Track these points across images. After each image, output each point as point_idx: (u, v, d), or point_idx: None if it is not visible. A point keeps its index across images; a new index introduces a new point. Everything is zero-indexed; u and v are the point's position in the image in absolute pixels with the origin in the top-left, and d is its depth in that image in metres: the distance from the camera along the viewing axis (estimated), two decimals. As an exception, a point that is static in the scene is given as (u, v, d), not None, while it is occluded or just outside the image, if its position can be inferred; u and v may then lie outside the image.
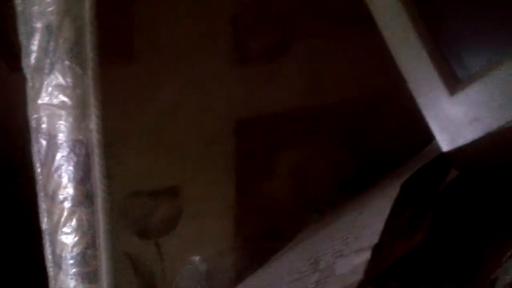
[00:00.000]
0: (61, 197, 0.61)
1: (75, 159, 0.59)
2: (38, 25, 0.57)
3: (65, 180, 0.60)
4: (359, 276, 0.37)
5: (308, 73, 0.65)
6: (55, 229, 0.62)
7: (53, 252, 0.63)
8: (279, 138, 0.66)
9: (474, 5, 0.46)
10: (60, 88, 0.58)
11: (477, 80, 0.45)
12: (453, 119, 0.47)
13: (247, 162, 0.65)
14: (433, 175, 0.46)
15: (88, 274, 0.62)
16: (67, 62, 0.56)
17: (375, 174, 0.63)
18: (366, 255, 0.38)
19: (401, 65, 0.49)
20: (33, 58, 0.59)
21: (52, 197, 0.62)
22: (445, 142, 0.48)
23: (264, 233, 0.67)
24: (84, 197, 0.60)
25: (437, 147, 0.48)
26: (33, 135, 0.62)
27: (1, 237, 0.94)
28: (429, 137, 0.56)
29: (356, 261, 0.38)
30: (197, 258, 0.63)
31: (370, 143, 0.69)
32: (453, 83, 0.47)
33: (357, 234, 0.42)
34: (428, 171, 0.46)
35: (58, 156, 0.60)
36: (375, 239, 0.38)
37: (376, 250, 0.38)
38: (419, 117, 0.52)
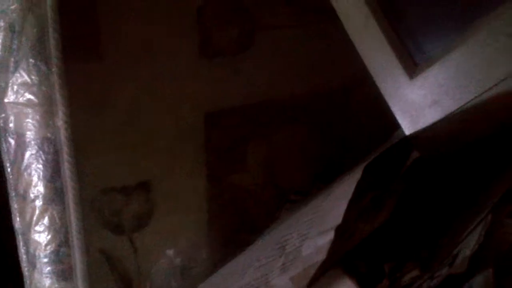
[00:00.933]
0: (32, 195, 0.61)
1: (44, 157, 0.59)
2: (1, 24, 0.57)
3: (35, 178, 0.60)
4: (322, 256, 0.37)
5: (276, 65, 0.66)
6: (28, 228, 0.62)
7: (27, 251, 0.63)
8: (250, 130, 0.67)
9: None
10: (26, 86, 0.58)
11: (435, 64, 0.46)
12: (413, 103, 0.48)
13: (218, 155, 0.66)
14: (396, 158, 0.47)
15: (63, 272, 0.62)
16: (31, 60, 0.57)
17: (348, 164, 0.64)
18: (330, 236, 0.38)
19: (362, 52, 0.50)
20: (-3, 56, 0.59)
21: (23, 196, 0.62)
22: (406, 126, 0.49)
23: (238, 225, 0.67)
24: (55, 195, 0.60)
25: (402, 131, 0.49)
26: (1, 135, 0.62)
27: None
28: (394, 124, 0.57)
29: (320, 242, 0.39)
30: (171, 251, 0.63)
31: (342, 133, 0.70)
32: (412, 67, 0.48)
33: (321, 217, 0.43)
34: (392, 154, 0.47)
35: (27, 154, 0.60)
36: (338, 220, 0.39)
37: (340, 231, 0.39)
38: (384, 107, 0.53)
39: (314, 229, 0.42)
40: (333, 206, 0.43)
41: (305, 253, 0.40)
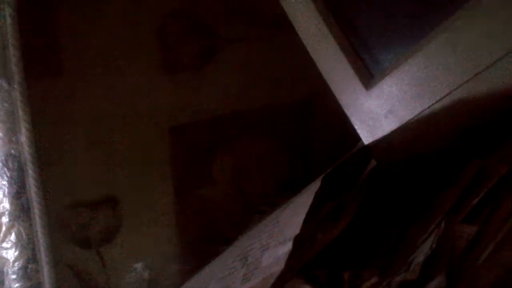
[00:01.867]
0: (-3, 212, 0.61)
1: (8, 173, 0.59)
2: (-37, 42, 0.57)
3: (0, 195, 0.60)
4: (280, 266, 0.38)
5: (239, 78, 0.67)
6: (-5, 245, 0.62)
7: (-6, 269, 0.63)
8: (215, 142, 0.67)
9: (383, 3, 0.48)
10: (-11, 103, 0.58)
11: (389, 74, 0.47)
12: (370, 113, 0.49)
13: (184, 168, 0.66)
14: (355, 168, 0.47)
15: (32, 288, 0.62)
16: (-7, 77, 0.57)
17: (315, 174, 0.65)
18: (288, 246, 0.39)
19: (319, 64, 0.51)
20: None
21: (-11, 214, 0.61)
22: (365, 135, 0.50)
23: (207, 237, 0.67)
24: (21, 211, 0.60)
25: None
26: (-34, 153, 0.62)
27: None
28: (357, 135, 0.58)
29: (279, 252, 0.40)
30: (139, 265, 0.63)
31: (307, 143, 0.70)
32: (368, 78, 0.49)
33: (281, 228, 0.44)
34: (350, 164, 0.48)
35: (-8, 171, 0.60)
36: (296, 231, 0.40)
37: (298, 241, 0.40)
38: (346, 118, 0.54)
39: (273, 240, 0.43)
40: (292, 216, 0.43)
41: (265, 264, 0.41)
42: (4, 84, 0.57)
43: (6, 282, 0.62)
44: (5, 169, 0.59)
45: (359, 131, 0.50)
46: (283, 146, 0.70)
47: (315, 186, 0.43)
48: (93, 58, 0.60)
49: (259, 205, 0.69)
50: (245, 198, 0.70)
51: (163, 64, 0.63)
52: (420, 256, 0.38)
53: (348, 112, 0.50)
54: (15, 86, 0.57)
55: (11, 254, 0.61)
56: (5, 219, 0.61)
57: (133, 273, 0.63)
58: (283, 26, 0.60)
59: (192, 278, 0.56)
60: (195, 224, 0.67)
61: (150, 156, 0.64)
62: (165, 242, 0.65)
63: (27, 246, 0.61)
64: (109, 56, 0.60)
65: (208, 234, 0.68)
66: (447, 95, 0.45)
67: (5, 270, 0.62)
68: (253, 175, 0.69)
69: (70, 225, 0.62)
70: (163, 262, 0.65)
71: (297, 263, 0.41)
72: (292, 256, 0.39)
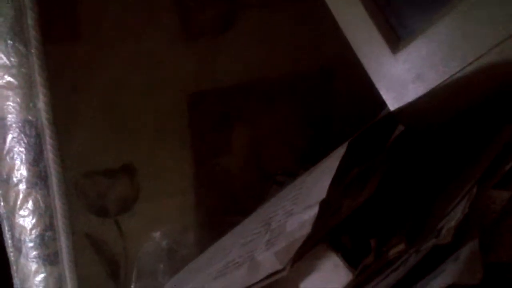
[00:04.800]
0: (15, 179, 0.60)
1: (26, 140, 0.58)
2: (-22, 5, 0.56)
3: (17, 162, 0.59)
4: (306, 230, 0.37)
5: (259, 45, 0.65)
6: (12, 213, 0.61)
7: (12, 236, 0.63)
8: (233, 111, 0.66)
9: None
10: (5, 68, 0.57)
11: (418, 37, 0.45)
12: (397, 78, 0.48)
13: (203, 137, 0.65)
14: (381, 134, 0.46)
15: (49, 256, 0.61)
16: (10, 42, 0.56)
17: (335, 144, 0.64)
18: (314, 211, 0.38)
19: (344, 28, 0.49)
20: (-26, 39, 0.58)
21: (7, 180, 0.61)
22: (391, 101, 0.48)
23: (224, 207, 0.67)
24: (38, 178, 0.59)
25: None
26: (-17, 119, 0.61)
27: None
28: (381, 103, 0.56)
29: (305, 217, 0.39)
30: (158, 234, 0.63)
31: (328, 113, 0.69)
32: (395, 41, 0.47)
33: (305, 193, 0.43)
34: (377, 130, 0.46)
35: (9, 138, 0.59)
36: (322, 195, 0.39)
37: (325, 206, 0.39)
38: (370, 85, 0.52)
39: (298, 205, 0.42)
40: (317, 181, 0.42)
41: (290, 229, 0.40)
42: (22, 49, 0.56)
43: (24, 250, 0.62)
44: (22, 135, 0.58)
45: (385, 97, 0.49)
46: (303, 116, 0.69)
47: (341, 151, 0.42)
48: (111, 24, 0.58)
49: (277, 175, 0.68)
50: (263, 169, 0.69)
51: (182, 29, 0.61)
52: (451, 221, 0.37)
53: (374, 77, 0.49)
54: (32, 51, 0.56)
55: (28, 221, 0.61)
56: (22, 187, 0.60)
57: (151, 242, 0.63)
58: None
59: (212, 246, 0.55)
60: (212, 193, 0.66)
61: (168, 124, 0.63)
62: (182, 212, 0.65)
63: (44, 214, 0.60)
64: (127, 22, 0.59)
65: (225, 204, 0.67)
66: (478, 58, 0.44)
67: (22, 238, 0.62)
68: (271, 145, 0.68)
69: (87, 194, 0.61)
70: (181, 232, 0.64)
71: (322, 228, 0.40)
72: (318, 221, 0.38)
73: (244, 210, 0.65)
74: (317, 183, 0.42)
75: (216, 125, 0.65)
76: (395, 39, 0.47)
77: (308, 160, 0.66)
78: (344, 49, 0.63)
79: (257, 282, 0.37)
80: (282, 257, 0.37)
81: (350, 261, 0.40)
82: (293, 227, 0.39)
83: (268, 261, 0.38)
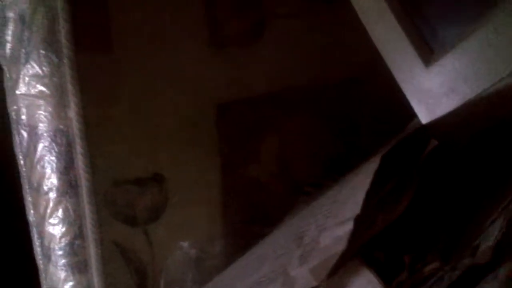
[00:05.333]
0: (45, 188, 0.60)
1: (57, 149, 0.59)
2: (11, 15, 0.57)
3: (48, 170, 0.60)
4: (342, 246, 0.37)
5: (287, 55, 0.65)
6: (42, 221, 0.62)
7: (42, 244, 0.63)
8: (262, 121, 0.66)
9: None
10: (37, 77, 0.57)
11: (451, 50, 0.45)
12: (430, 91, 0.47)
13: (231, 146, 0.65)
14: (414, 147, 0.46)
15: (78, 264, 0.61)
16: (42, 51, 0.56)
17: (362, 154, 0.63)
18: (349, 226, 0.38)
19: (376, 40, 0.49)
20: (8, 48, 0.59)
21: (37, 189, 0.61)
22: (423, 114, 0.48)
23: (252, 217, 0.67)
24: (69, 187, 0.60)
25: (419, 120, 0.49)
26: (13, 127, 0.62)
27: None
28: (410, 114, 0.56)
29: (339, 232, 0.39)
30: (186, 243, 0.63)
31: (355, 123, 0.69)
32: (428, 54, 0.47)
33: (339, 208, 0.43)
34: (409, 144, 0.46)
35: (40, 146, 0.59)
36: (357, 210, 0.39)
37: (359, 221, 0.39)
38: (399, 96, 0.52)
39: (331, 220, 0.42)
40: (351, 196, 0.42)
41: (323, 244, 0.40)
42: (54, 58, 0.56)
43: (53, 258, 0.63)
44: (54, 144, 0.59)
45: (417, 110, 0.48)
46: (331, 126, 0.68)
47: (374, 165, 0.42)
48: (142, 34, 0.59)
49: (305, 186, 0.68)
50: (291, 179, 0.68)
51: (212, 39, 0.62)
52: (489, 240, 0.37)
53: (406, 90, 0.48)
54: (65, 61, 0.56)
55: (58, 230, 0.61)
56: (52, 195, 0.61)
57: (179, 252, 0.63)
58: (334, 1, 0.58)
59: (241, 258, 0.55)
60: (240, 203, 0.66)
61: (197, 133, 0.63)
62: (210, 221, 0.65)
63: (74, 223, 0.61)
64: (157, 31, 0.59)
65: (252, 214, 0.67)
66: (511, 72, 0.43)
67: (51, 246, 0.62)
68: (299, 155, 0.68)
69: (116, 202, 0.61)
70: (208, 241, 0.64)
71: (355, 243, 0.40)
72: (352, 236, 0.38)
73: (271, 220, 0.65)
74: (350, 198, 0.42)
75: (245, 134, 0.65)
76: (428, 51, 0.47)
77: (335, 171, 0.66)
78: (372, 59, 0.63)
79: (292, 299, 0.37)
80: (317, 274, 0.36)
81: (384, 277, 0.39)
82: (327, 242, 0.39)
83: (303, 277, 0.37)
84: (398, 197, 0.42)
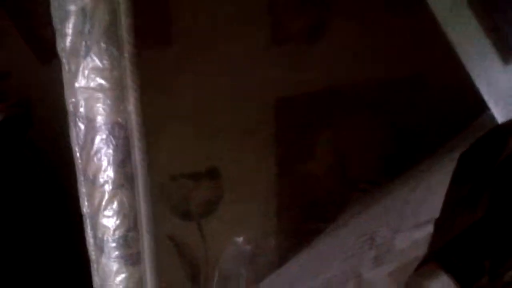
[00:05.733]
0: (101, 180, 0.60)
1: (114, 141, 0.58)
2: (73, 8, 0.56)
3: (105, 163, 0.60)
4: (423, 250, 0.36)
5: (348, 52, 0.64)
6: (96, 213, 0.62)
7: (95, 236, 0.63)
8: (319, 118, 0.65)
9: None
10: (97, 70, 0.57)
11: (533, 48, 0.43)
12: (507, 90, 0.45)
13: (287, 142, 0.64)
14: (490, 148, 0.44)
15: (131, 256, 0.61)
16: (103, 45, 0.56)
17: (420, 153, 0.62)
18: (429, 229, 0.37)
19: (452, 36, 0.48)
20: (68, 41, 0.59)
21: (93, 181, 0.61)
22: (500, 113, 0.46)
23: (307, 214, 0.66)
24: (125, 180, 0.59)
25: (491, 119, 0.47)
26: (71, 119, 0.61)
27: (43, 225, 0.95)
28: (475, 111, 0.54)
29: (416, 235, 0.37)
30: (240, 239, 0.62)
31: (414, 121, 0.67)
32: (507, 51, 0.45)
33: (413, 209, 0.41)
34: (484, 144, 0.44)
35: (97, 139, 0.59)
36: (436, 212, 0.37)
37: (438, 223, 0.37)
38: (464, 93, 0.50)
39: (406, 221, 0.40)
40: (427, 197, 0.41)
41: (400, 247, 0.38)
42: (114, 52, 0.56)
43: (106, 250, 0.63)
44: (111, 137, 0.58)
45: (493, 109, 0.47)
46: (389, 123, 0.67)
47: (452, 164, 0.40)
48: (203, 28, 0.58)
49: (361, 183, 0.67)
50: (346, 175, 0.67)
51: (273, 36, 0.60)
52: None
53: (482, 88, 0.47)
54: (125, 55, 0.55)
55: (112, 222, 0.61)
56: (108, 187, 0.60)
57: (233, 247, 0.62)
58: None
59: (301, 256, 0.54)
60: (295, 199, 0.65)
61: (254, 128, 0.62)
62: (264, 217, 0.64)
63: (128, 215, 0.60)
64: (218, 26, 0.58)
65: (307, 211, 0.66)
66: None
67: (105, 238, 0.62)
68: (355, 152, 0.67)
69: (172, 196, 0.61)
70: (262, 237, 0.64)
71: (431, 247, 0.38)
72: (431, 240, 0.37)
73: (326, 216, 0.64)
74: (426, 199, 0.40)
75: (302, 130, 0.64)
76: (507, 49, 0.45)
77: (392, 169, 0.65)
78: (436, 57, 0.62)
79: (370, 303, 0.36)
80: (396, 278, 0.35)
81: (462, 283, 0.38)
82: (404, 245, 0.38)
83: (380, 281, 0.36)
84: (476, 200, 0.41)
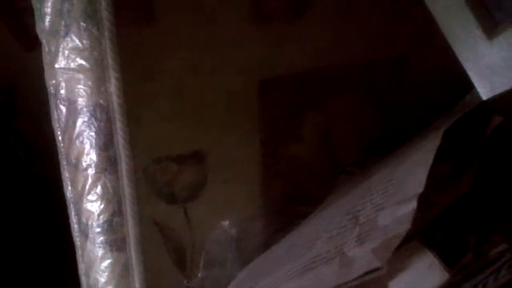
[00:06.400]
0: (84, 164, 0.59)
1: (96, 124, 0.57)
2: (51, -14, 0.55)
3: (87, 146, 0.58)
4: (406, 226, 0.35)
5: (333, 31, 0.63)
6: (80, 198, 0.61)
7: (79, 221, 0.62)
8: (304, 98, 0.64)
9: None
10: (77, 50, 0.56)
11: (518, 22, 0.42)
12: (492, 65, 0.45)
13: (273, 124, 0.63)
14: (474, 125, 0.44)
15: (116, 242, 0.60)
16: (82, 24, 0.54)
17: (405, 134, 0.61)
18: (412, 205, 0.36)
19: (435, 12, 0.47)
20: (47, 21, 0.57)
21: (75, 165, 0.60)
22: (484, 90, 0.46)
23: (293, 196, 0.65)
24: (108, 163, 0.58)
25: (477, 98, 0.46)
26: (52, 102, 0.60)
27: (25, 210, 0.94)
28: (461, 91, 0.54)
29: (400, 212, 0.37)
30: (226, 222, 0.62)
31: (400, 101, 0.67)
32: (491, 26, 0.44)
33: (397, 186, 0.41)
34: (469, 121, 0.44)
35: (79, 122, 0.58)
36: (419, 188, 0.37)
37: (421, 200, 0.37)
38: (450, 72, 0.50)
39: (390, 199, 0.40)
40: (411, 174, 0.40)
41: (383, 224, 0.38)
42: (94, 31, 0.55)
43: (90, 235, 0.62)
44: (93, 119, 0.57)
45: (477, 86, 0.46)
46: (376, 104, 0.66)
47: (435, 141, 0.40)
48: (184, 7, 0.57)
49: (346, 166, 0.66)
50: (333, 158, 0.67)
51: (255, 14, 0.59)
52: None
53: (466, 64, 0.46)
54: (105, 34, 0.54)
55: (96, 207, 0.60)
56: (91, 171, 0.59)
57: (219, 231, 0.62)
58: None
59: (288, 238, 0.54)
60: (280, 182, 0.65)
61: (238, 110, 0.61)
62: (250, 200, 0.63)
63: (112, 200, 0.59)
64: (200, 4, 0.57)
65: (293, 193, 0.65)
66: None
67: (89, 223, 0.61)
68: (342, 133, 0.66)
69: (156, 180, 0.60)
70: (248, 221, 0.63)
71: (415, 223, 0.38)
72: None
73: (312, 199, 0.64)
74: (410, 176, 0.40)
75: (287, 112, 0.63)
76: (492, 23, 0.44)
77: (379, 150, 0.64)
78: (419, 36, 0.61)
79: (353, 279, 0.35)
80: (380, 255, 0.35)
81: (446, 260, 0.38)
82: (386, 222, 0.37)
83: (364, 258, 0.36)
84: (460, 176, 0.40)
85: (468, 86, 0.49)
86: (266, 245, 0.61)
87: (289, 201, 0.65)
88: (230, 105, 0.61)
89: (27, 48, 0.94)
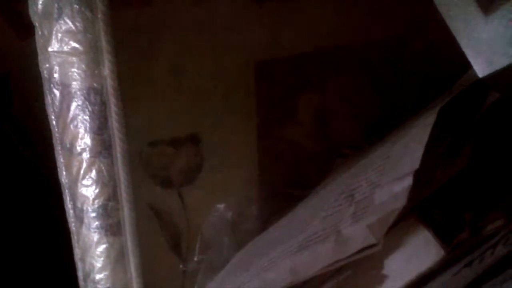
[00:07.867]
0: (78, 148, 0.59)
1: (90, 108, 0.57)
2: (44, -33, 0.55)
3: (81, 130, 0.58)
4: (401, 202, 0.35)
5: (331, 12, 0.62)
6: (75, 182, 0.60)
7: (74, 206, 0.62)
8: (301, 81, 0.64)
9: None
10: (71, 33, 0.55)
11: (515, -3, 0.42)
12: (488, 42, 0.44)
13: (269, 107, 0.63)
14: (470, 102, 0.43)
15: (111, 226, 0.60)
16: (75, 6, 0.54)
17: (403, 115, 0.61)
18: (408, 181, 0.36)
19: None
20: (40, 4, 0.57)
21: (70, 150, 0.60)
22: (480, 67, 0.45)
23: (289, 179, 0.65)
24: (103, 147, 0.58)
25: (473, 75, 0.46)
26: (45, 86, 0.60)
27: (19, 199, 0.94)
28: (459, 71, 0.53)
29: (396, 188, 0.37)
30: (222, 206, 0.61)
31: (397, 82, 0.66)
32: (487, 2, 0.44)
33: (393, 163, 0.40)
34: (464, 98, 0.44)
35: (73, 105, 0.58)
36: (416, 165, 0.36)
37: (418, 176, 0.36)
38: (447, 52, 0.49)
39: (386, 176, 0.39)
40: (407, 150, 0.40)
41: (379, 201, 0.37)
42: (88, 13, 0.54)
43: (86, 220, 0.61)
44: (87, 103, 0.57)
45: (473, 63, 0.45)
46: (374, 86, 0.66)
47: (431, 118, 0.39)
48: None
49: (342, 148, 0.66)
50: (330, 141, 0.66)
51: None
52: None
53: (462, 41, 0.45)
54: (99, 16, 0.54)
55: (91, 191, 0.60)
56: (86, 156, 0.59)
57: (216, 214, 0.61)
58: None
59: (283, 220, 0.53)
60: (277, 165, 0.64)
61: (235, 92, 0.61)
62: (246, 183, 0.63)
63: (107, 184, 0.59)
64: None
65: (290, 176, 0.65)
66: None
67: (84, 208, 0.61)
68: (339, 116, 0.66)
69: (151, 163, 0.60)
70: (245, 204, 0.63)
71: (411, 201, 0.37)
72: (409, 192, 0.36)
73: (309, 182, 0.63)
74: (406, 153, 0.39)
75: (284, 94, 0.63)
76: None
77: (376, 133, 0.64)
78: (417, 16, 0.60)
79: (349, 257, 0.35)
80: (375, 231, 0.34)
81: (442, 236, 0.37)
82: (383, 199, 0.37)
83: (359, 235, 0.35)
84: (456, 153, 0.40)
85: (465, 66, 0.48)
86: (262, 229, 0.61)
87: (286, 185, 0.64)
88: (227, 88, 0.60)
89: (22, 36, 0.93)
